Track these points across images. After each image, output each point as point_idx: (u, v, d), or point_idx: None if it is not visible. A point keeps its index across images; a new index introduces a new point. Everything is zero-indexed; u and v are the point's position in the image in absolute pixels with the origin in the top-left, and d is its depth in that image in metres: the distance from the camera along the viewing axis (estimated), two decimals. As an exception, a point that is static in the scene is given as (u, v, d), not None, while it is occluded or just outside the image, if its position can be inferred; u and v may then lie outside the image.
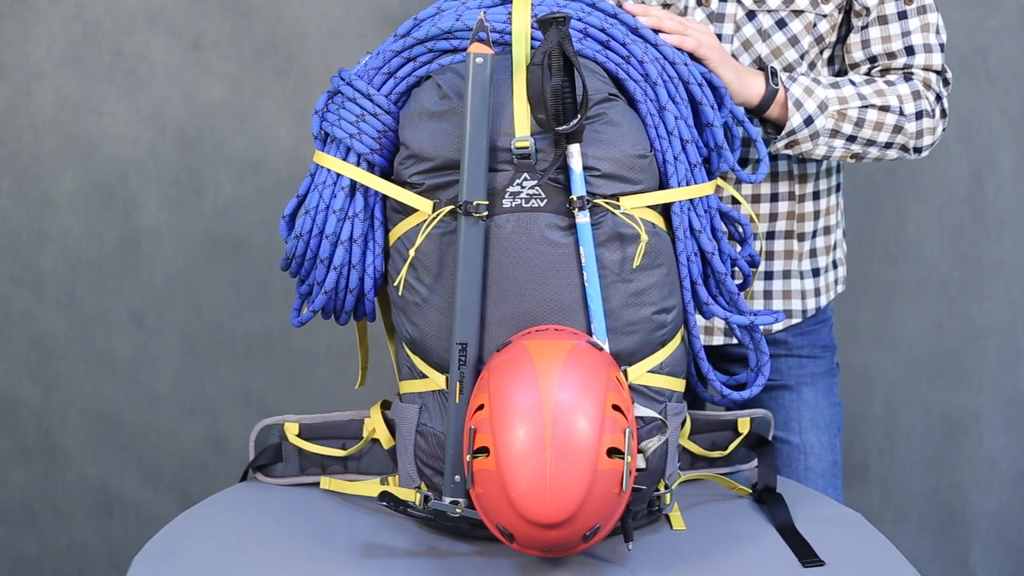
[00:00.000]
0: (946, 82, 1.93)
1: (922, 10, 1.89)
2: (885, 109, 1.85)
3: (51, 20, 2.58)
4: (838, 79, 1.87)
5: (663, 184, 1.68)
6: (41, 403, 2.74)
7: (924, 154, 1.92)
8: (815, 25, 1.88)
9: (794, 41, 1.88)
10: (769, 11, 1.87)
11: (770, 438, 1.87)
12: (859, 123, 1.84)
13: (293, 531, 1.68)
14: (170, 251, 2.69)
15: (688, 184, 1.68)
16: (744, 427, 1.85)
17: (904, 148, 1.89)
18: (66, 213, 2.66)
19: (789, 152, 1.87)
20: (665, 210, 1.69)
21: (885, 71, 1.91)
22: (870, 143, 1.87)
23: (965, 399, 2.77)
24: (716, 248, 1.72)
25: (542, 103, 1.56)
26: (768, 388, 2.03)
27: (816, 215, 1.99)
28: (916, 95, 1.87)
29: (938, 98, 1.90)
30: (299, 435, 1.80)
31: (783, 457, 2.02)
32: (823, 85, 1.84)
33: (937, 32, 1.90)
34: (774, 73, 1.82)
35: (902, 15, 1.88)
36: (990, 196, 2.71)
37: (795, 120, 1.82)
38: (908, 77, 1.89)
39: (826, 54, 1.93)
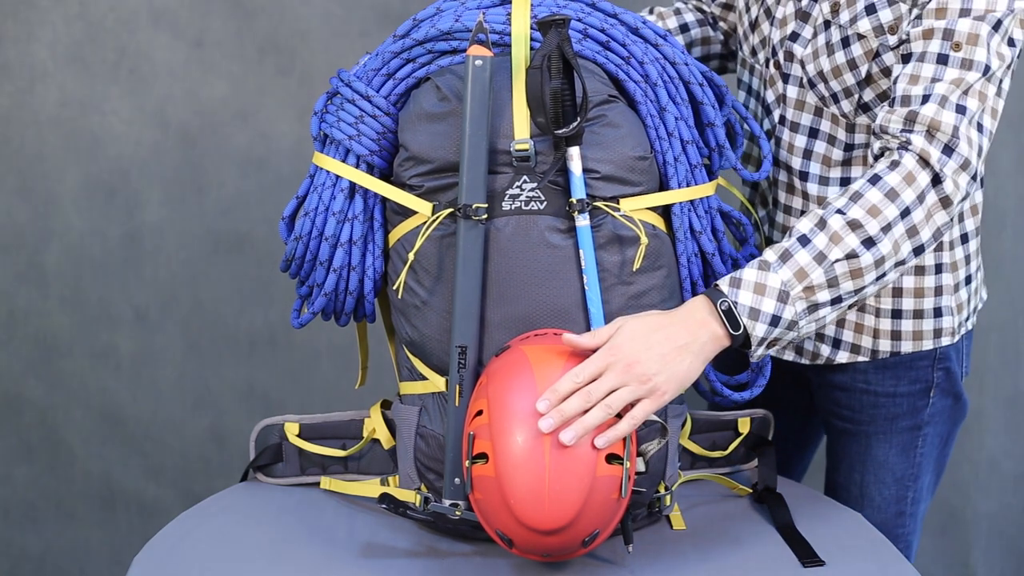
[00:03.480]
0: (963, 166, 1.58)
1: (967, 65, 1.59)
2: (853, 256, 1.56)
3: (54, 19, 2.58)
4: (787, 245, 1.57)
5: (663, 185, 1.68)
6: (44, 399, 2.74)
7: (932, 246, 1.62)
8: (879, 55, 1.67)
9: (852, 65, 1.69)
10: (839, 26, 1.70)
11: (770, 438, 1.88)
12: (832, 284, 1.57)
13: (293, 531, 1.68)
14: (173, 248, 2.69)
15: (688, 185, 1.68)
16: (744, 427, 1.85)
17: (900, 263, 1.59)
18: (69, 210, 2.66)
19: (771, 352, 1.61)
20: (665, 211, 1.68)
21: (883, 148, 1.63)
22: (859, 291, 1.59)
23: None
24: (716, 249, 1.72)
25: (541, 106, 1.55)
26: (836, 429, 1.91)
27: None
28: (891, 194, 1.56)
29: (936, 180, 1.58)
30: (299, 435, 1.80)
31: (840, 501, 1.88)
32: (773, 266, 1.56)
33: (973, 96, 1.58)
34: (715, 290, 1.57)
35: (942, 59, 1.60)
36: (989, 195, 2.69)
37: (759, 331, 1.56)
38: (903, 151, 1.59)
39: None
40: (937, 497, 2.80)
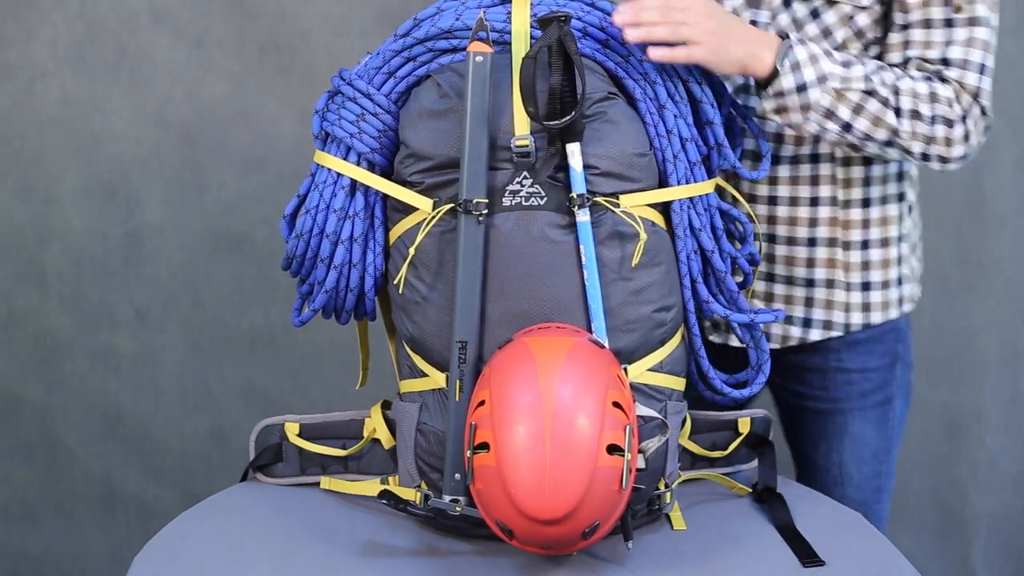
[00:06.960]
0: (983, 112, 1.73)
1: (973, 22, 1.70)
2: (886, 104, 1.69)
3: (55, 19, 2.59)
4: (851, 58, 1.71)
5: (663, 182, 1.69)
6: (44, 400, 2.74)
7: (933, 165, 1.74)
8: (852, 18, 1.75)
9: (827, 33, 1.76)
10: (803, 1, 1.76)
11: (770, 438, 1.88)
12: (857, 110, 1.69)
13: (293, 531, 1.68)
14: (174, 247, 2.70)
15: (688, 182, 1.69)
16: (744, 427, 1.85)
17: (907, 151, 1.72)
18: (70, 210, 2.67)
19: (777, 119, 1.72)
20: (665, 208, 1.69)
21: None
22: (867, 138, 1.71)
23: (965, 398, 2.76)
24: (716, 246, 1.73)
25: (532, 96, 1.56)
26: (810, 410, 1.94)
27: (866, 224, 1.86)
28: (933, 97, 1.70)
29: (964, 117, 1.71)
30: (299, 435, 1.80)
31: (820, 486, 1.93)
32: (833, 59, 1.69)
33: (985, 50, 1.72)
34: (786, 36, 1.70)
35: (948, 23, 1.71)
36: (989, 194, 2.70)
37: (786, 82, 1.68)
38: (942, 79, 1.72)
39: (872, 51, 1.78)
40: (936, 496, 2.81)
